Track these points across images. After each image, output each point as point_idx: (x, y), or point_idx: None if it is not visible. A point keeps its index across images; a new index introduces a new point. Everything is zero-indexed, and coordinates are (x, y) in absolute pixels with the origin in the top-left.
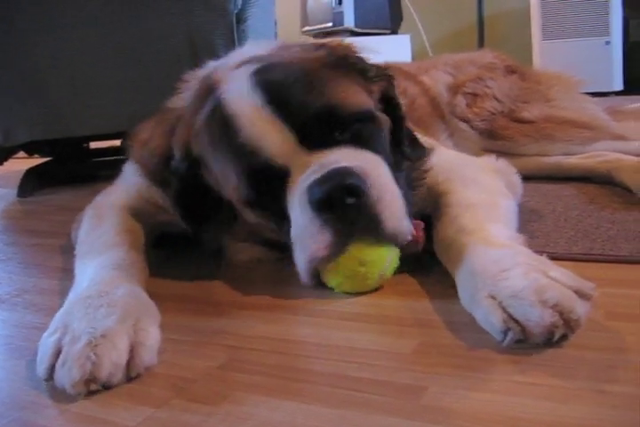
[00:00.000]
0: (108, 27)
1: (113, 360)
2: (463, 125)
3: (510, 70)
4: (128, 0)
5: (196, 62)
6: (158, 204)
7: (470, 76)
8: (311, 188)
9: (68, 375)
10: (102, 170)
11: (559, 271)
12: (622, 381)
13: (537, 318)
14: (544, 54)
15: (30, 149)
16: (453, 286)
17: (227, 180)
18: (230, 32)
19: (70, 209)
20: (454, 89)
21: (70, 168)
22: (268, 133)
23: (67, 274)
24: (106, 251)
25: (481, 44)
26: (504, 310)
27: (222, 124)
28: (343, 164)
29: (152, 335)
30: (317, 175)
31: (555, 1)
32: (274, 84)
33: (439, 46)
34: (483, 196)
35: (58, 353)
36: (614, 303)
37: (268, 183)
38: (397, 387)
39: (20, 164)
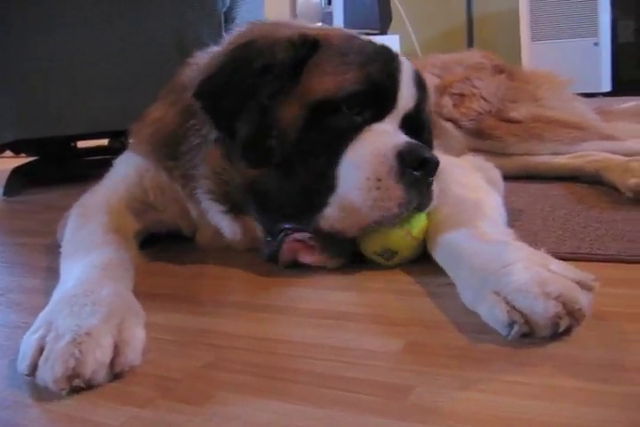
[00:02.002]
0: (106, 27)
1: (97, 358)
2: (449, 126)
3: (498, 70)
4: (126, 0)
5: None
6: (147, 201)
7: (457, 77)
8: (411, 144)
9: (50, 372)
10: (89, 169)
11: (559, 264)
12: (613, 380)
13: (541, 309)
14: (533, 55)
15: (17, 147)
16: (443, 284)
17: (339, 71)
18: (219, 31)
19: (57, 208)
20: (441, 90)
21: (57, 167)
22: (406, 90)
23: (52, 273)
24: (92, 250)
25: (470, 44)
26: (508, 303)
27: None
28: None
29: (137, 335)
30: (414, 142)
31: (543, 2)
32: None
33: (428, 47)
34: (468, 194)
35: (41, 350)
36: (602, 302)
37: (359, 105)
38: (385, 387)
39: (7, 163)
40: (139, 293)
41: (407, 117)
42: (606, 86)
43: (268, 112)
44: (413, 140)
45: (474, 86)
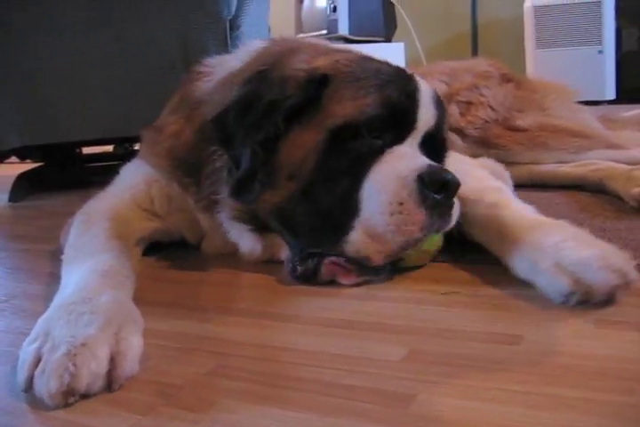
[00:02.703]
0: (106, 27)
1: (92, 370)
2: (453, 137)
3: (506, 79)
4: (127, 2)
5: (188, 68)
6: (152, 210)
7: (465, 85)
8: (432, 167)
9: (45, 387)
10: (94, 175)
11: (602, 242)
12: (613, 389)
13: (603, 280)
14: (537, 63)
15: (22, 153)
16: (445, 292)
17: (358, 96)
18: (224, 39)
19: (61, 214)
20: (448, 98)
21: (62, 173)
22: (425, 110)
23: (56, 279)
24: (93, 256)
25: (474, 52)
26: (571, 275)
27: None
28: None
29: (134, 344)
30: (435, 164)
31: (548, 10)
32: (439, 98)
33: (433, 54)
34: (487, 183)
35: (37, 362)
36: (604, 311)
37: (379, 128)
38: (387, 395)
39: (12, 168)
40: (141, 299)
41: (427, 136)
42: (610, 94)
43: (274, 147)
44: (434, 163)
45: (481, 95)
